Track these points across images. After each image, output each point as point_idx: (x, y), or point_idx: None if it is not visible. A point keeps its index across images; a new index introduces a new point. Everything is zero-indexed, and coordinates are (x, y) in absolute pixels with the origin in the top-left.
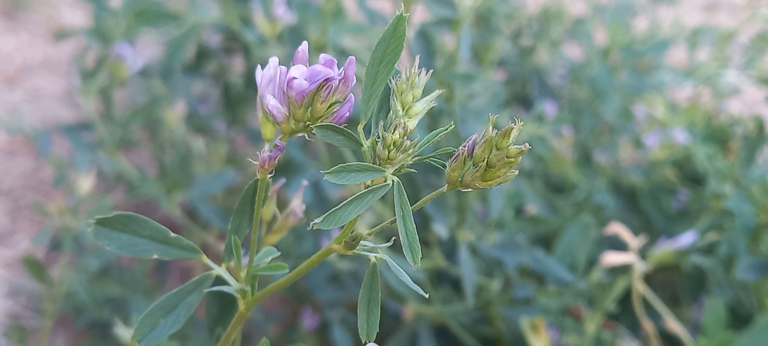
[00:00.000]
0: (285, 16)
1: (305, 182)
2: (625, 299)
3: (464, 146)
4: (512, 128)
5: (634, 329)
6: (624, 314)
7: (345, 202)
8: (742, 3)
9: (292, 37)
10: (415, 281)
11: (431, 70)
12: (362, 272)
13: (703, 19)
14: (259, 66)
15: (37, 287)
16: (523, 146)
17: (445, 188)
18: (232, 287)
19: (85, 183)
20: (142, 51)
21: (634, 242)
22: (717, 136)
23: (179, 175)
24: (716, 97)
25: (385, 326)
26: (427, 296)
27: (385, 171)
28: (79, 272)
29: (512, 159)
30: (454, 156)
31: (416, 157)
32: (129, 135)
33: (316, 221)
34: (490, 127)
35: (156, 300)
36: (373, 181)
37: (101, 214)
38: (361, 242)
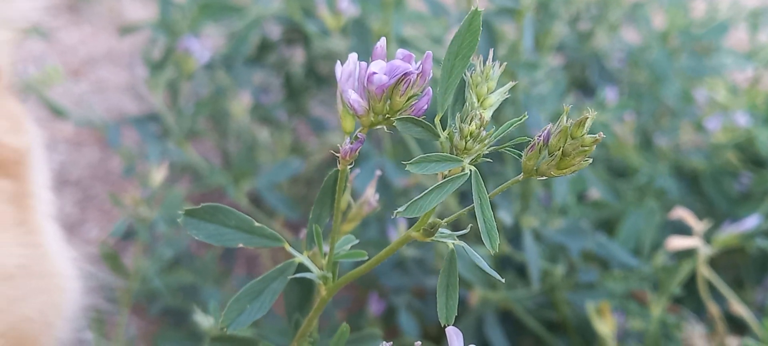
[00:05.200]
0: (349, 9)
1: (379, 172)
2: (689, 282)
3: (539, 136)
4: (587, 118)
5: (698, 312)
6: (688, 297)
7: (426, 191)
8: None
9: (355, 28)
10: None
11: (505, 64)
12: (428, 259)
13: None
14: (338, 62)
15: (111, 276)
16: (597, 135)
17: (520, 176)
18: (315, 273)
19: (158, 174)
20: (205, 43)
21: (699, 226)
22: None
23: (246, 165)
24: None
25: None
26: (503, 280)
27: (462, 161)
28: (153, 262)
29: (587, 148)
30: (529, 145)
31: (492, 147)
32: (196, 126)
33: (400, 209)
34: (565, 117)
35: (243, 287)
36: (450, 171)
37: (175, 204)
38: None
